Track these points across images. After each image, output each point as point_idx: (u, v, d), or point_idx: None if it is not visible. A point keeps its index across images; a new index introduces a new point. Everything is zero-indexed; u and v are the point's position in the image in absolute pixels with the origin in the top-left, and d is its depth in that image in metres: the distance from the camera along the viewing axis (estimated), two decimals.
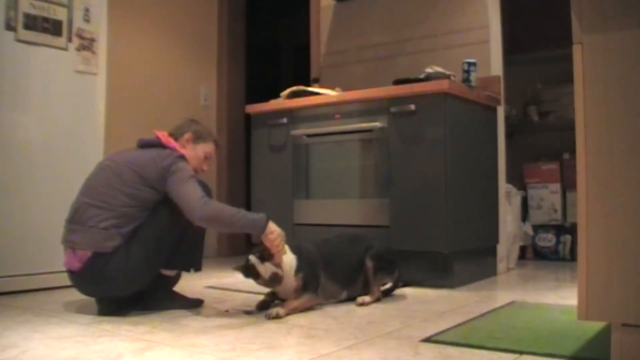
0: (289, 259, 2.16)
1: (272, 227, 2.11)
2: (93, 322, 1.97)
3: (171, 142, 2.26)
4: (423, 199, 2.73)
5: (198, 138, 2.32)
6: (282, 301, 2.17)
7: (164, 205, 2.11)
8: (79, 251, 2.03)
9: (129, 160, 2.15)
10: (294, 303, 2.12)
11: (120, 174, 2.11)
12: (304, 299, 2.15)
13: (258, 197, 3.34)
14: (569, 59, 1.48)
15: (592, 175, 1.41)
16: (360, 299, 2.29)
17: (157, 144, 2.24)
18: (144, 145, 2.25)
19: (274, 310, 2.05)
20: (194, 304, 2.27)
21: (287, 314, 2.06)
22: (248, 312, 2.17)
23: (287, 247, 2.18)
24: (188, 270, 2.27)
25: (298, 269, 2.16)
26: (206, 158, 2.35)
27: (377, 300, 2.34)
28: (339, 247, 2.38)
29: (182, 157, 2.18)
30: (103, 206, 2.06)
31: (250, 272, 2.11)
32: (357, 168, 2.99)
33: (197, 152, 2.31)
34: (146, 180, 2.10)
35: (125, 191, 2.08)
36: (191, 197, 2.04)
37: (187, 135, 2.31)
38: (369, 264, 2.33)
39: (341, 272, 2.31)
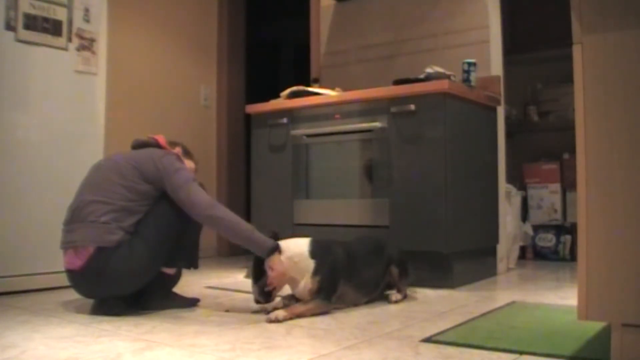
0: (306, 264, 2.11)
1: (277, 262, 2.06)
2: (93, 322, 1.97)
3: (167, 146, 2.32)
4: (423, 199, 2.73)
5: (186, 153, 2.44)
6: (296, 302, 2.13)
7: (165, 201, 2.12)
8: (81, 249, 2.03)
9: (127, 157, 2.19)
10: (299, 308, 2.05)
11: (119, 169, 2.14)
12: (312, 305, 2.08)
13: (258, 197, 3.34)
14: (569, 59, 1.48)
15: (592, 175, 1.41)
16: (394, 297, 2.34)
17: (154, 145, 2.29)
18: (140, 145, 2.31)
19: (273, 314, 1.99)
20: (191, 303, 2.28)
21: (290, 319, 1.99)
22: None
23: (305, 249, 2.13)
24: (188, 268, 2.28)
25: (316, 272, 2.09)
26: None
27: (405, 297, 2.40)
28: (364, 253, 2.35)
29: (179, 157, 2.23)
30: (103, 200, 2.07)
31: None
32: (357, 168, 2.99)
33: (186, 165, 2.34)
34: (144, 176, 2.12)
35: (125, 184, 2.10)
36: (200, 195, 2.08)
37: (178, 149, 2.40)
38: (395, 270, 2.38)
39: (365, 279, 2.29)
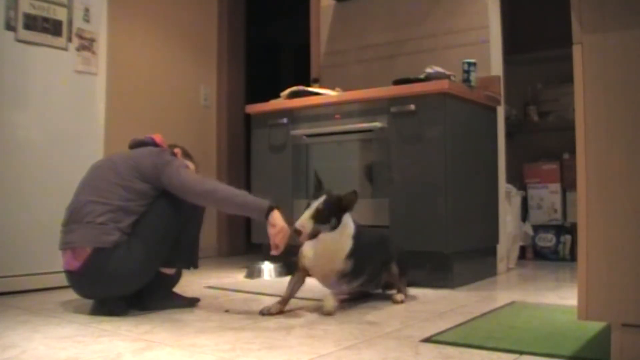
0: (347, 243, 2.10)
1: (277, 219, 2.03)
2: (93, 322, 1.97)
3: (164, 145, 2.32)
4: (423, 199, 2.73)
5: (186, 155, 2.44)
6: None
7: (164, 201, 2.12)
8: (79, 250, 2.03)
9: (124, 156, 2.20)
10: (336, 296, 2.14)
11: (117, 168, 2.14)
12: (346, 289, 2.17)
13: (258, 197, 3.33)
14: (569, 59, 1.48)
15: (592, 175, 1.41)
16: (399, 297, 2.34)
17: (151, 144, 2.30)
18: (137, 144, 2.31)
19: (329, 304, 2.06)
20: (191, 303, 2.28)
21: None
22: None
23: (353, 230, 2.13)
24: (188, 268, 2.28)
25: (350, 254, 2.10)
26: None
27: (405, 296, 2.40)
28: (368, 244, 2.32)
29: (174, 153, 2.26)
30: (100, 201, 2.07)
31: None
32: (357, 168, 2.99)
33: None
34: (142, 174, 2.12)
35: (122, 184, 2.10)
36: (190, 176, 2.11)
37: (177, 150, 2.41)
38: (395, 269, 2.37)
39: (367, 269, 2.29)
